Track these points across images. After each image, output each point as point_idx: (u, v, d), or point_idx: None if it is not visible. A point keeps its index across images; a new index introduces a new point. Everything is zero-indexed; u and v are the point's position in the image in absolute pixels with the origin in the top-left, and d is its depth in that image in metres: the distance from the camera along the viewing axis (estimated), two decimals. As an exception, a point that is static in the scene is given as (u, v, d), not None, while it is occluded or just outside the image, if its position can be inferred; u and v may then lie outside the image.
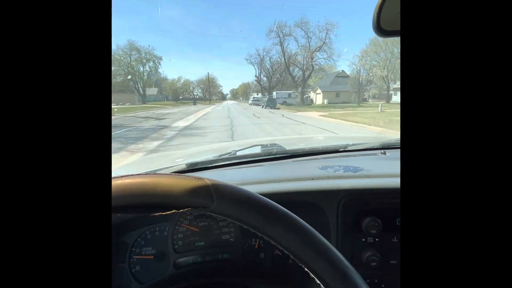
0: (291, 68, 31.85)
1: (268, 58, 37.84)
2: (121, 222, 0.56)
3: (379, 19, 0.40)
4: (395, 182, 0.59)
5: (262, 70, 38.78)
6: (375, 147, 1.02)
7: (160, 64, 41.46)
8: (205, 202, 0.23)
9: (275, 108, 20.37)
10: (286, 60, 32.07)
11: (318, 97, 30.82)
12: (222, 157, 0.93)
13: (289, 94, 26.81)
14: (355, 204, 0.57)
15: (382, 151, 0.96)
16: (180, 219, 0.62)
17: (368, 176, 0.65)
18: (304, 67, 29.43)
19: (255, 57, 39.63)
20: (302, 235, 0.25)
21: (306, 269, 0.25)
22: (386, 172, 0.67)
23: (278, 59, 34.54)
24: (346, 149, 1.01)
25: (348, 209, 0.56)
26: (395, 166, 0.82)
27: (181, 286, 0.56)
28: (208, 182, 0.24)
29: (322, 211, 0.57)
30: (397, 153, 1.00)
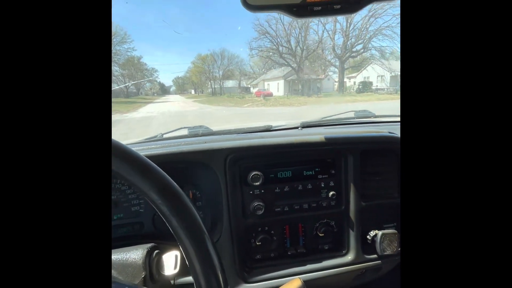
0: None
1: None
2: None
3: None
4: (274, 140, 0.67)
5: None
6: (295, 126, 1.12)
7: None
8: None
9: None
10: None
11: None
12: (148, 140, 0.93)
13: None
14: (240, 161, 0.64)
15: (300, 128, 1.07)
16: None
17: (254, 137, 0.73)
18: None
19: None
20: (155, 178, 0.29)
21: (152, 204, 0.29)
22: (274, 134, 0.75)
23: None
24: (269, 129, 1.09)
25: (234, 165, 0.63)
26: (292, 132, 0.92)
27: None
28: None
29: (212, 168, 0.63)
30: (312, 130, 1.12)
